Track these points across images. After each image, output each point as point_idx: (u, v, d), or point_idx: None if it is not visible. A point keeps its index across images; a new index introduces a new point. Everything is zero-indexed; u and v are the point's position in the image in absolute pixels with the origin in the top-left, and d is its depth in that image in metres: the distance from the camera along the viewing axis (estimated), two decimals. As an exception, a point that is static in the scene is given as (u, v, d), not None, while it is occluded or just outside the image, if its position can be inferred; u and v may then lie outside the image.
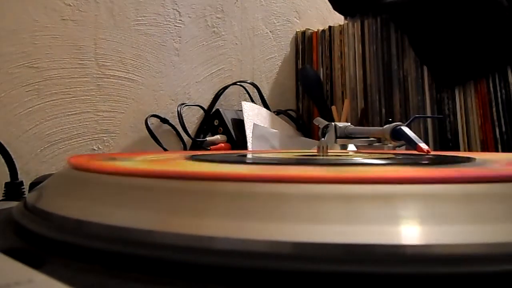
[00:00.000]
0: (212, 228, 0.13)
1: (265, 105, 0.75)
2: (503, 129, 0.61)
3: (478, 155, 0.31)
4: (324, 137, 0.46)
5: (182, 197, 0.15)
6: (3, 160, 0.40)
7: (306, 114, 0.83)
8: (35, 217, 0.18)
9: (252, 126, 0.62)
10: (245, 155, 0.35)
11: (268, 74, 0.81)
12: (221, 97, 0.71)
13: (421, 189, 0.14)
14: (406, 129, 0.38)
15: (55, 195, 0.20)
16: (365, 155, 0.35)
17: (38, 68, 0.50)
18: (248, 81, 0.75)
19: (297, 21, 0.88)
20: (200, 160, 0.26)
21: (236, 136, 0.63)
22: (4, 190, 0.39)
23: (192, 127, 0.67)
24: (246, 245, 0.13)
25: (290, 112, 0.81)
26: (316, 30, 0.83)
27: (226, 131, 0.64)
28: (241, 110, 0.64)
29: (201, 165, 0.24)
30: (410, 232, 0.13)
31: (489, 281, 0.11)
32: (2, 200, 0.38)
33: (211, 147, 0.62)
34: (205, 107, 0.69)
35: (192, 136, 0.65)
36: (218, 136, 0.63)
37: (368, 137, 0.44)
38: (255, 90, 0.75)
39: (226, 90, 0.72)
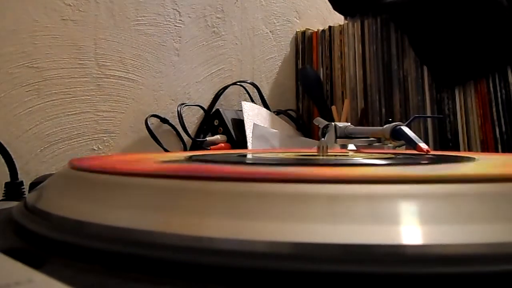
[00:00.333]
0: (212, 228, 0.13)
1: (265, 105, 0.75)
2: (503, 129, 0.61)
3: (478, 155, 0.31)
4: (324, 137, 0.46)
5: (182, 197, 0.15)
6: (3, 160, 0.40)
7: (306, 114, 0.83)
8: (35, 217, 0.18)
9: (252, 126, 0.62)
10: (245, 155, 0.35)
11: (268, 74, 0.81)
12: (221, 97, 0.71)
13: (421, 188, 0.14)
14: (406, 129, 0.38)
15: (55, 195, 0.20)
16: (365, 155, 0.35)
17: (38, 68, 0.50)
18: (248, 81, 0.75)
19: (297, 21, 0.88)
20: (201, 161, 0.26)
21: (236, 136, 0.63)
22: (4, 190, 0.39)
23: (192, 127, 0.67)
24: (245, 245, 0.13)
25: (290, 112, 0.81)
26: (316, 30, 0.83)
27: (226, 131, 0.64)
28: (241, 110, 0.64)
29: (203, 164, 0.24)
30: (410, 232, 0.13)
31: (489, 281, 0.11)
32: (2, 200, 0.38)
33: (211, 147, 0.62)
34: (205, 107, 0.69)
35: (192, 136, 0.65)
36: (218, 136, 0.63)
37: (368, 137, 0.44)
38: (255, 90, 0.75)
39: (226, 90, 0.72)
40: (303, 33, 0.84)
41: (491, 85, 0.63)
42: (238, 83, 0.74)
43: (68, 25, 0.53)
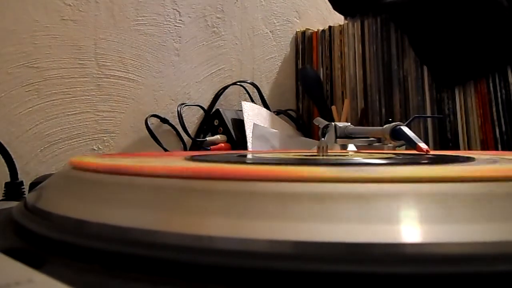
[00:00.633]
0: (212, 227, 0.13)
1: (265, 105, 0.75)
2: (503, 129, 0.61)
3: (478, 155, 0.31)
4: (324, 137, 0.46)
5: (182, 197, 0.15)
6: (3, 160, 0.40)
7: (306, 114, 0.83)
8: (35, 217, 0.18)
9: (252, 126, 0.62)
10: (245, 155, 0.35)
11: (268, 74, 0.81)
12: (221, 97, 0.71)
13: (421, 188, 0.14)
14: (406, 129, 0.38)
15: (55, 195, 0.20)
16: (365, 155, 0.35)
17: (38, 68, 0.50)
18: (248, 81, 0.75)
19: (297, 21, 0.88)
20: (201, 161, 0.26)
21: (236, 136, 0.63)
22: (4, 190, 0.39)
23: (192, 127, 0.67)
24: (246, 245, 0.13)
25: (290, 112, 0.81)
26: (316, 30, 0.83)
27: (226, 131, 0.64)
28: (241, 110, 0.64)
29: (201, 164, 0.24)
30: (411, 231, 0.12)
31: (489, 281, 0.11)
32: (2, 200, 0.38)
33: (211, 147, 0.62)
34: (205, 107, 0.69)
35: (192, 136, 0.65)
36: (218, 136, 0.63)
37: (368, 137, 0.44)
38: (255, 90, 0.75)
39: (226, 90, 0.72)
40: (303, 33, 0.84)
41: (491, 85, 0.63)
42: (238, 83, 0.74)
43: (68, 25, 0.53)
